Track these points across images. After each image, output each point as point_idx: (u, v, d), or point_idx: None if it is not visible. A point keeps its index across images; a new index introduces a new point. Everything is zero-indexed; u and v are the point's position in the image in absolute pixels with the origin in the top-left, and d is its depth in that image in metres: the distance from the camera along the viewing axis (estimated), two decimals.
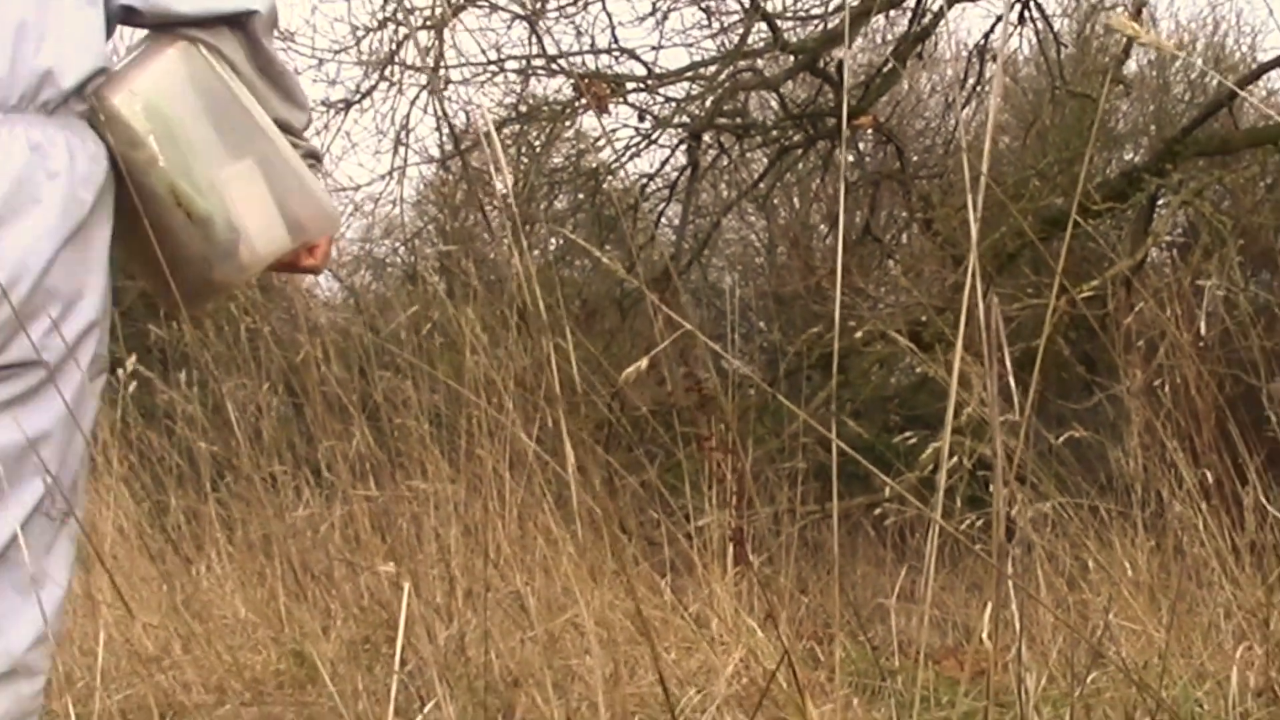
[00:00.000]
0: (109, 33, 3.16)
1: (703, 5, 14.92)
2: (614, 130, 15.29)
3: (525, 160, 14.88)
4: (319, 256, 3.48)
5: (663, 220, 15.88)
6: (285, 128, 3.37)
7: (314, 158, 3.54)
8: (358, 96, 15.23)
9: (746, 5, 14.49)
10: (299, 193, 3.35)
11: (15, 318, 2.89)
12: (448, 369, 5.51)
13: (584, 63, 14.72)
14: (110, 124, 3.13)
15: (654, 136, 14.91)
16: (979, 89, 15.48)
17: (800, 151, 15.40)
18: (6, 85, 2.93)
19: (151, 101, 3.18)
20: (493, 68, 14.26)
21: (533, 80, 14.96)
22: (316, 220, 3.43)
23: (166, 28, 3.22)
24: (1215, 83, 18.36)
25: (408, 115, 15.47)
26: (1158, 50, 19.34)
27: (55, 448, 3.13)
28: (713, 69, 14.39)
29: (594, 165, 15.97)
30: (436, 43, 14.68)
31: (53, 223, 2.97)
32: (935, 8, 13.91)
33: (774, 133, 15.14)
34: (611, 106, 14.19)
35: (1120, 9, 14.93)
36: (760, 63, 14.45)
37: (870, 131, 15.26)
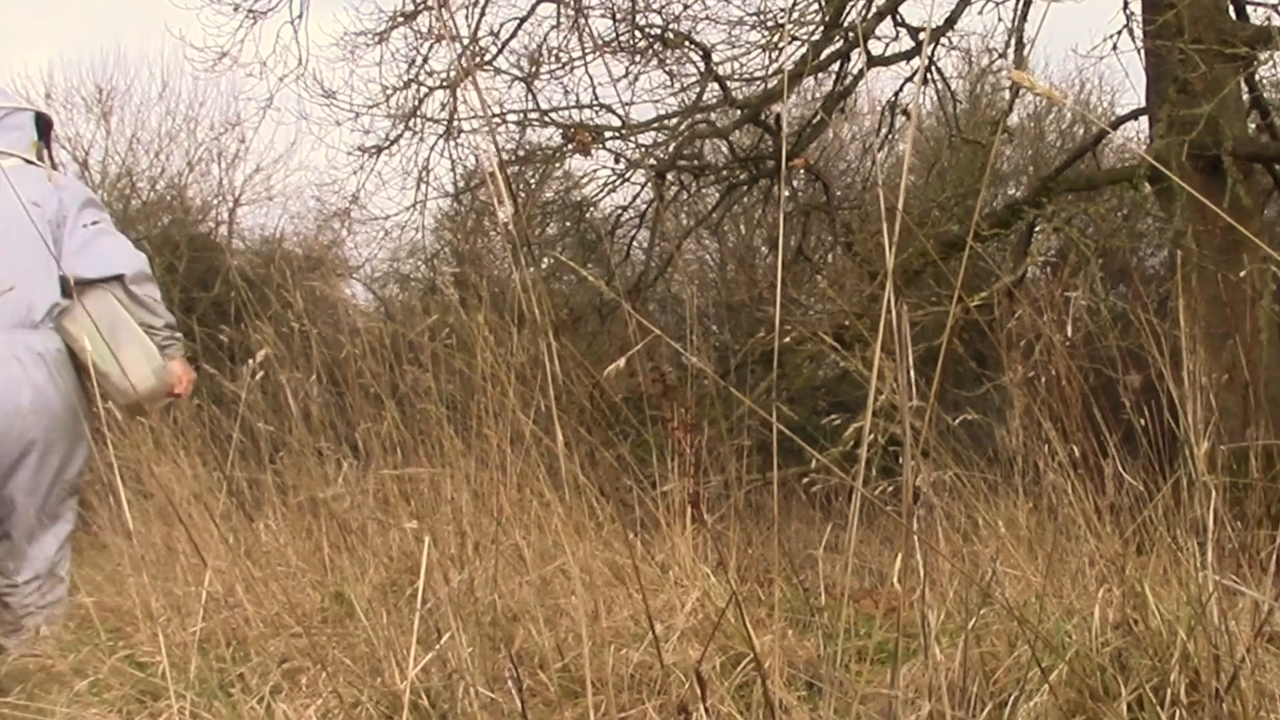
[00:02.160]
0: (64, 288, 5.44)
1: (666, 69, 14.96)
2: (594, 170, 15.32)
3: (523, 195, 14.85)
4: (182, 389, 5.73)
5: (634, 243, 15.88)
6: (150, 326, 5.61)
7: (172, 334, 5.72)
8: (387, 143, 15.31)
9: (702, 69, 14.52)
10: (157, 362, 5.61)
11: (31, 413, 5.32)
12: (461, 364, 5.48)
13: (570, 116, 14.73)
14: (65, 334, 5.44)
15: (627, 175, 14.96)
16: (890, 137, 15.51)
17: (746, 188, 15.43)
18: (23, 320, 5.31)
19: (83, 322, 5.36)
20: (496, 120, 14.24)
21: (529, 130, 14.98)
22: (164, 380, 5.63)
23: (88, 283, 5.47)
24: (1082, 131, 18.37)
25: (428, 158, 15.55)
26: (1048, 101, 19.29)
27: (77, 469, 5.61)
28: (675, 121, 14.41)
29: (579, 199, 15.96)
30: (451, 100, 14.69)
31: (36, 378, 5.33)
32: (855, 71, 13.92)
33: (724, 172, 15.18)
34: (592, 151, 14.18)
35: (1003, 72, 14.93)
36: (713, 116, 14.46)
37: (802, 171, 15.25)
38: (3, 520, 5.39)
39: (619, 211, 15.80)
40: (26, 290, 5.29)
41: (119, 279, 5.52)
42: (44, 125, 5.79)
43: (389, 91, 15.10)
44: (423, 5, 14.55)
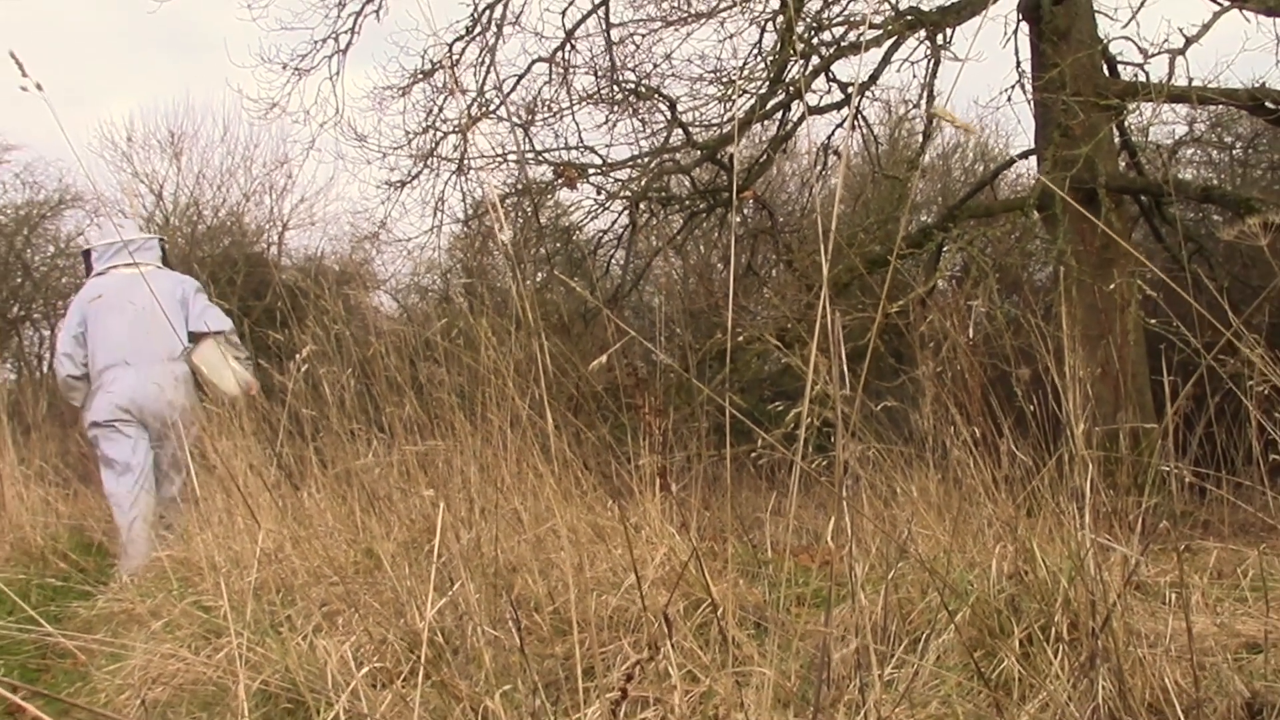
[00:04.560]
0: (190, 335, 7.78)
1: (639, 117, 14.99)
2: (580, 200, 15.32)
3: (521, 221, 14.88)
4: (253, 392, 7.54)
5: (612, 261, 15.88)
6: (237, 357, 7.74)
7: (249, 359, 7.91)
8: (409, 178, 15.30)
9: (668, 117, 14.54)
10: (243, 379, 7.63)
11: (168, 410, 7.49)
12: (469, 360, 5.47)
13: (560, 155, 14.74)
14: (191, 364, 7.69)
15: (606, 205, 14.94)
16: (824, 173, 15.51)
17: (705, 215, 15.40)
18: (169, 353, 7.67)
19: (204, 358, 7.69)
20: (499, 159, 14.29)
21: (525, 167, 14.99)
22: (247, 385, 7.59)
23: (204, 335, 7.72)
24: (982, 168, 18.39)
25: (443, 191, 15.59)
26: (962, 134, 19.27)
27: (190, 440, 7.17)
28: (646, 159, 14.40)
29: (567, 224, 15.95)
30: (462, 142, 14.72)
31: (172, 388, 7.51)
32: (795, 119, 13.91)
33: (687, 202, 15.13)
34: (578, 185, 14.18)
35: (918, 120, 14.95)
36: (678, 155, 14.47)
37: (751, 202, 15.25)
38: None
39: (600, 234, 15.81)
40: (170, 339, 7.67)
41: (222, 333, 7.89)
42: (162, 244, 8.44)
43: (410, 135, 15.17)
44: (439, 65, 14.62)
